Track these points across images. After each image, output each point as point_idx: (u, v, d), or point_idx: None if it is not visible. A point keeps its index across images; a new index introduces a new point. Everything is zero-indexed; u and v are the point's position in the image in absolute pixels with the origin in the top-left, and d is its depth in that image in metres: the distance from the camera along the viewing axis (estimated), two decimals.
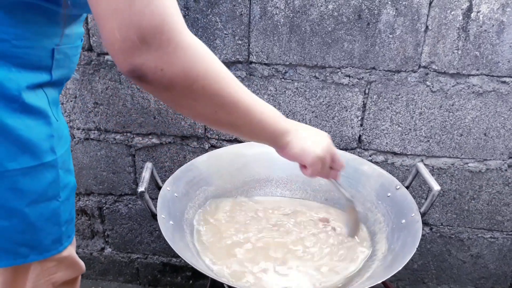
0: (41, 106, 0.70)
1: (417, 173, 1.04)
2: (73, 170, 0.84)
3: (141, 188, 0.87)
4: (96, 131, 1.37)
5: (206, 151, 1.31)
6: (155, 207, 0.89)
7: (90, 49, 1.26)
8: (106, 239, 1.55)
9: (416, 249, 0.82)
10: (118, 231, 1.53)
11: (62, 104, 1.33)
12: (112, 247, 1.56)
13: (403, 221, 0.94)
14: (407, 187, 1.03)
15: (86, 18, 1.21)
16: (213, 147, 1.34)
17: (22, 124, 0.69)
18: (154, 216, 0.88)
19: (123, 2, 0.49)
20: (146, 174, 0.92)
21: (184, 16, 1.19)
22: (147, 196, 0.88)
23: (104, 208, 1.49)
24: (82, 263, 0.94)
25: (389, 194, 1.03)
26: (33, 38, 0.65)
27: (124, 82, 1.28)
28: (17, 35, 0.63)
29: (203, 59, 0.58)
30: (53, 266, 0.82)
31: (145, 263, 1.59)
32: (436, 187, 0.92)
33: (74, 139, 1.38)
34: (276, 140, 0.74)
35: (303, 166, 0.82)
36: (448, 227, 1.40)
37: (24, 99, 0.67)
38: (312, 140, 0.77)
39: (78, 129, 1.37)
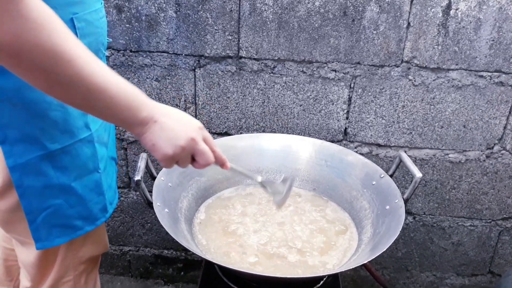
0: None
1: (400, 162, 1.09)
2: (108, 142, 0.89)
3: (137, 177, 0.90)
4: None
5: None
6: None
7: None
8: None
9: (399, 231, 0.87)
10: (110, 224, 1.55)
11: None
12: None
13: (387, 207, 0.99)
14: (391, 176, 1.08)
15: None
16: None
17: (57, 105, 0.73)
18: (150, 204, 0.92)
19: None
20: (141, 164, 0.95)
21: (176, 12, 1.22)
22: (143, 185, 0.91)
23: None
24: (106, 241, 1.00)
25: (373, 183, 1.08)
26: None
27: None
28: None
29: (39, 29, 0.51)
30: (80, 240, 0.87)
31: (137, 256, 1.61)
32: (418, 174, 0.97)
33: None
34: (130, 129, 0.68)
35: None
36: (430, 216, 1.46)
37: None
38: (168, 137, 0.69)
39: None
